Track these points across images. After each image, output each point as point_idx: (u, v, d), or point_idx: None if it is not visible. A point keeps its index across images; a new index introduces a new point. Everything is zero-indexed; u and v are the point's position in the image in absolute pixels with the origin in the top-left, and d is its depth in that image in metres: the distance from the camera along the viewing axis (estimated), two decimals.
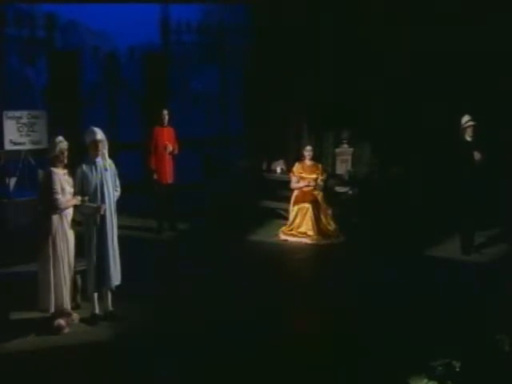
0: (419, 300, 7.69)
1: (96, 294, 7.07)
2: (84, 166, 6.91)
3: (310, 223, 10.58)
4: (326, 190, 11.22)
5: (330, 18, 12.97)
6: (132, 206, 10.77)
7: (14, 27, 13.65)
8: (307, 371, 5.91)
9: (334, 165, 13.06)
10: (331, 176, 12.15)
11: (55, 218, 6.70)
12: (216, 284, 8.39)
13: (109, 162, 7.06)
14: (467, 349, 5.41)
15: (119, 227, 7.21)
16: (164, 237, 10.91)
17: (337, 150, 13.12)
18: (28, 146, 10.26)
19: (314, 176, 10.94)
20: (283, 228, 10.89)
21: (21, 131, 10.21)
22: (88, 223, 6.96)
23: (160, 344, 6.50)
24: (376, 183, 12.11)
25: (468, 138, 9.57)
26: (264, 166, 12.94)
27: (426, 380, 4.91)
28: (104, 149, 7.00)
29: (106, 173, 6.97)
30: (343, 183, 12.19)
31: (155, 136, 10.90)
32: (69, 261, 6.81)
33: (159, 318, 7.28)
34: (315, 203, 10.74)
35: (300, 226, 10.66)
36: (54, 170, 6.75)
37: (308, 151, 11.07)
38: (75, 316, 7.01)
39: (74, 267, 6.94)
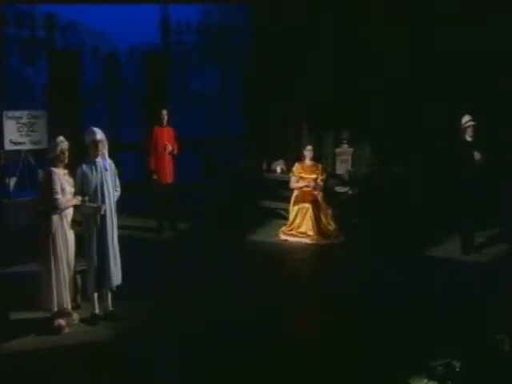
0: (419, 300, 7.69)
1: (96, 294, 7.07)
2: (84, 166, 6.90)
3: (310, 223, 10.58)
4: (326, 189, 11.20)
5: (329, 18, 12.97)
6: (132, 206, 10.77)
7: (13, 27, 13.64)
8: (307, 371, 5.90)
9: (334, 165, 13.06)
10: (331, 176, 12.14)
11: (55, 217, 6.70)
12: (216, 284, 8.39)
13: (109, 162, 7.06)
14: (467, 349, 5.41)
15: (119, 227, 7.21)
16: (164, 237, 10.90)
17: (337, 150, 13.13)
18: (28, 146, 10.27)
19: (314, 176, 10.94)
20: (283, 228, 10.88)
21: (21, 131, 10.22)
22: (88, 223, 6.96)
23: (160, 344, 6.50)
24: (376, 183, 12.10)
25: (468, 138, 9.56)
26: (264, 166, 12.92)
27: (425, 380, 4.92)
28: (104, 149, 7.01)
29: (106, 173, 6.98)
30: (343, 183, 12.18)
31: (155, 136, 10.90)
32: (68, 261, 6.81)
33: (159, 317, 7.28)
34: (315, 203, 10.73)
35: (300, 226, 10.65)
36: (55, 169, 6.75)
37: (308, 151, 11.07)
38: (75, 316, 7.00)
39: (74, 267, 6.94)
